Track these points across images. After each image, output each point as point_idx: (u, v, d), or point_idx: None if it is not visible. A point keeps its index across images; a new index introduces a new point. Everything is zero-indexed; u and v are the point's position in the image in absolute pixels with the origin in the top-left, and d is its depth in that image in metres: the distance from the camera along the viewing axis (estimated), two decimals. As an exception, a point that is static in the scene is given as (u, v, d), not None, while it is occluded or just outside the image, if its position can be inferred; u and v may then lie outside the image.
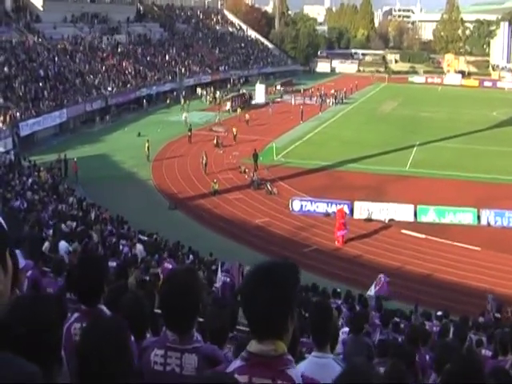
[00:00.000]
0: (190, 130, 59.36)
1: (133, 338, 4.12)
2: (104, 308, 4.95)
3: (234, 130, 58.31)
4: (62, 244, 19.28)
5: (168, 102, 76.70)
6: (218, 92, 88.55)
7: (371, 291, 25.11)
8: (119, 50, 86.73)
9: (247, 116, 66.94)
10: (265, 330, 2.86)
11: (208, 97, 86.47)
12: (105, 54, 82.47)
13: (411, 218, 38.35)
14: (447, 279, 29.97)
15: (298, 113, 71.89)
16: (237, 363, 2.98)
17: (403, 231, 36.72)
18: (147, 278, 16.40)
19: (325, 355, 5.10)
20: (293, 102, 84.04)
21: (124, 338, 2.97)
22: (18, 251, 9.69)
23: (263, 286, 2.80)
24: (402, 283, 28.09)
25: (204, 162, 47.95)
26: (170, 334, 3.95)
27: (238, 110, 72.48)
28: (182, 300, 3.72)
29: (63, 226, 24.32)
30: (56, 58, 72.24)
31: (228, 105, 76.67)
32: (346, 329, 13.42)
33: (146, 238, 27.66)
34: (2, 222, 2.30)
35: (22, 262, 10.24)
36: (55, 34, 78.49)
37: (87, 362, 2.81)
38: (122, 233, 27.92)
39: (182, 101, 78.30)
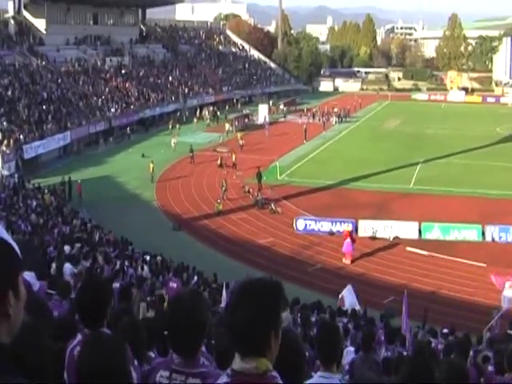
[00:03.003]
0: (191, 151, 59.40)
1: (136, 361, 4.19)
2: (107, 332, 5.00)
3: (234, 156, 56.82)
4: (67, 266, 19.36)
5: (170, 127, 75.62)
6: (218, 112, 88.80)
7: (350, 305, 24.97)
8: (122, 71, 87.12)
9: (241, 141, 65.49)
10: (246, 347, 2.84)
11: (208, 117, 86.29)
12: (108, 76, 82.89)
13: (416, 236, 38.34)
14: (453, 296, 29.96)
15: (302, 132, 71.96)
16: (223, 379, 2.95)
17: (408, 249, 36.70)
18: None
19: (331, 375, 5.13)
20: (300, 121, 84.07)
21: (121, 356, 3.03)
22: (31, 273, 9.78)
23: (244, 302, 2.80)
24: (407, 300, 28.00)
25: (224, 188, 47.06)
26: (175, 356, 3.97)
27: (238, 134, 70.98)
28: (188, 324, 3.73)
29: (68, 248, 24.39)
30: (59, 81, 72.66)
31: (227, 126, 76.13)
32: (352, 348, 13.47)
33: (150, 259, 27.74)
34: (15, 246, 2.30)
35: (35, 284, 10.35)
36: (58, 56, 79.06)
37: (86, 378, 2.88)
38: (127, 254, 27.99)
39: (170, 125, 76.38)
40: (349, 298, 25.61)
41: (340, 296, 25.91)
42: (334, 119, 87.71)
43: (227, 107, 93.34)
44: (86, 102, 71.90)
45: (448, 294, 30.29)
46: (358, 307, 24.39)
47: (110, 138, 69.51)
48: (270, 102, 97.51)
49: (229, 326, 2.86)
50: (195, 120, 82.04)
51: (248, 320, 2.77)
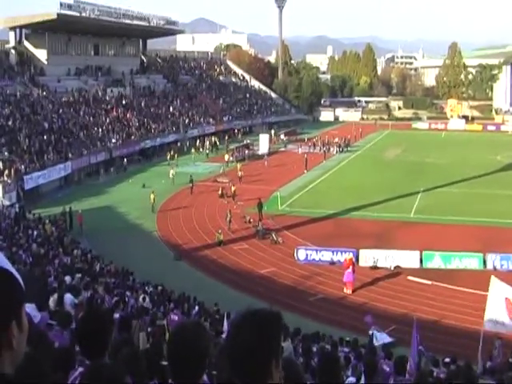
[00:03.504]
0: (191, 181, 59.57)
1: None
2: (108, 362, 5.04)
3: (233, 188, 56.76)
4: (68, 297, 19.36)
5: (169, 158, 75.69)
6: (218, 142, 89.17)
7: (377, 341, 24.97)
8: (123, 101, 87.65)
9: (240, 173, 65.25)
10: (247, 377, 2.84)
11: (207, 147, 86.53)
12: (109, 106, 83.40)
13: (417, 265, 38.37)
14: (454, 325, 29.92)
15: (302, 162, 72.19)
16: None
17: (409, 278, 36.71)
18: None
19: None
20: (300, 151, 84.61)
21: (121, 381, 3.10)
22: (32, 305, 9.83)
23: (244, 332, 2.82)
24: (409, 330, 27.94)
25: (228, 219, 47.13)
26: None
27: (238, 164, 70.69)
28: (188, 354, 3.68)
29: (68, 278, 24.42)
30: (60, 111, 73.17)
31: (226, 157, 76.30)
32: (353, 378, 13.46)
33: (151, 290, 27.77)
34: (18, 276, 2.30)
35: (36, 316, 10.41)
36: (59, 86, 79.62)
37: None
38: (128, 284, 28.02)
39: (169, 155, 76.57)
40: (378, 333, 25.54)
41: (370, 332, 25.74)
42: (334, 149, 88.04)
43: (227, 137, 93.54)
44: (86, 132, 72.30)
45: (450, 322, 30.24)
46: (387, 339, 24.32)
47: (111, 168, 69.80)
48: (272, 132, 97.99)
49: (229, 355, 2.86)
50: (193, 150, 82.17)
51: (248, 349, 2.78)
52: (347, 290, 34.64)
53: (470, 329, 29.28)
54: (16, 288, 2.28)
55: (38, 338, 5.69)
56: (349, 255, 37.37)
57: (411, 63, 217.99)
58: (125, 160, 72.27)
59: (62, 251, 34.07)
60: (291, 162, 76.87)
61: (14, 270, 2.28)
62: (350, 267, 34.89)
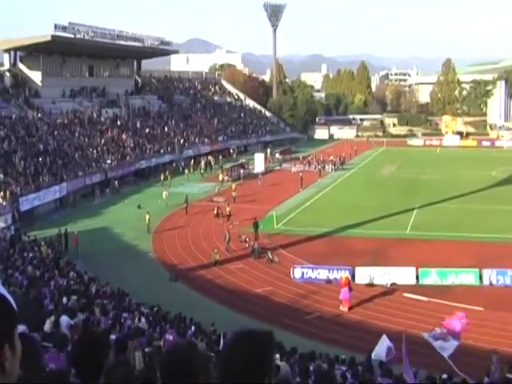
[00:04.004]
0: (186, 201, 59.69)
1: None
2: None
3: (228, 209, 56.45)
4: (64, 319, 19.41)
5: (162, 178, 75.75)
6: (212, 162, 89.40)
7: (376, 355, 24.96)
8: (118, 122, 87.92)
9: (234, 193, 64.85)
10: None
11: (201, 168, 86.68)
12: (104, 127, 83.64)
13: (413, 281, 38.44)
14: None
15: (297, 180, 72.37)
16: None
17: (406, 295, 36.78)
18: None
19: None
20: (293, 170, 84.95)
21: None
22: (23, 327, 9.91)
23: (237, 351, 2.88)
24: (407, 345, 27.96)
25: (227, 239, 47.09)
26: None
27: (232, 184, 70.39)
28: (181, 376, 3.63)
29: (64, 300, 24.47)
30: (55, 133, 73.41)
31: (221, 176, 76.02)
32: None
33: (147, 311, 27.80)
34: (11, 299, 2.31)
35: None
36: (54, 108, 79.87)
37: None
38: (124, 306, 28.04)
39: (162, 176, 76.47)
40: (378, 347, 25.48)
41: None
42: (329, 167, 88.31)
43: (221, 157, 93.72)
44: (81, 153, 72.45)
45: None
46: (383, 358, 24.22)
47: (107, 189, 69.82)
48: (268, 151, 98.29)
49: (222, 374, 2.92)
50: (186, 171, 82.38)
51: (241, 368, 2.84)
52: (343, 308, 34.72)
53: (465, 344, 29.30)
54: (8, 311, 2.30)
55: (29, 360, 5.72)
56: (345, 273, 37.54)
57: (405, 80, 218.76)
58: (116, 182, 71.85)
59: (58, 273, 34.04)
60: (286, 180, 77.03)
61: (6, 293, 2.30)
62: (346, 285, 35.02)
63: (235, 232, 50.62)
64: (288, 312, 34.50)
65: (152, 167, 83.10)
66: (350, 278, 36.77)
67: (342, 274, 37.33)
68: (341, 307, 34.79)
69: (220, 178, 75.23)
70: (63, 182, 62.83)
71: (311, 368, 18.33)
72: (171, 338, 20.13)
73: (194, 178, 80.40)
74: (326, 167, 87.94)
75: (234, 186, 68.41)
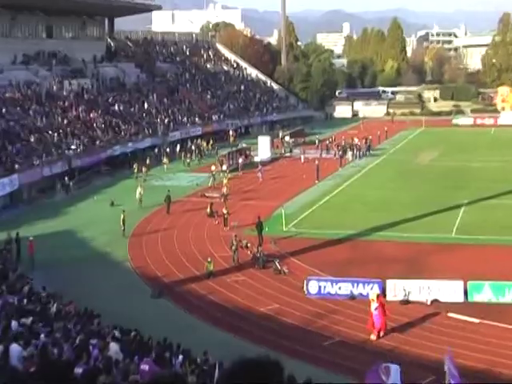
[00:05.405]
0: (168, 198, 59.17)
1: None
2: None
3: (225, 210, 55.48)
4: (14, 348, 19.39)
5: (136, 170, 75.20)
6: (204, 147, 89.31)
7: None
8: (85, 97, 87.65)
9: (225, 189, 63.51)
10: None
11: (192, 155, 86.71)
12: (67, 104, 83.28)
13: (461, 298, 38.26)
14: (508, 375, 29.85)
15: (313, 170, 72.31)
16: None
17: (451, 315, 36.65)
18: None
19: None
20: (302, 159, 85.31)
21: None
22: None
23: None
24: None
25: (234, 248, 46.14)
26: None
27: (224, 179, 69.63)
28: None
29: (15, 324, 24.45)
30: (3, 110, 72.88)
31: (213, 167, 75.03)
32: None
33: (122, 336, 27.80)
34: None
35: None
36: (2, 78, 79.46)
37: None
38: (92, 330, 28.02)
39: (136, 168, 75.81)
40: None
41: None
42: (352, 153, 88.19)
43: (211, 141, 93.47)
44: (38, 137, 72.12)
45: (503, 371, 30.17)
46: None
47: (71, 182, 69.55)
48: (278, 133, 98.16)
49: None
50: (165, 159, 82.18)
51: None
52: (372, 336, 34.25)
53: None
54: None
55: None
56: (375, 290, 37.04)
57: (450, 42, 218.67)
58: (66, 179, 69.53)
59: (7, 289, 34.03)
60: (298, 170, 77.04)
61: None
62: (377, 307, 34.32)
63: (229, 235, 50.30)
64: (300, 336, 34.46)
65: (128, 154, 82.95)
66: (382, 296, 36.27)
67: (371, 291, 37.00)
68: (372, 336, 34.31)
69: (213, 169, 74.65)
70: (14, 173, 62.51)
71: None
72: (147, 367, 20.14)
73: (180, 168, 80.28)
74: (349, 154, 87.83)
75: (225, 181, 67.96)
